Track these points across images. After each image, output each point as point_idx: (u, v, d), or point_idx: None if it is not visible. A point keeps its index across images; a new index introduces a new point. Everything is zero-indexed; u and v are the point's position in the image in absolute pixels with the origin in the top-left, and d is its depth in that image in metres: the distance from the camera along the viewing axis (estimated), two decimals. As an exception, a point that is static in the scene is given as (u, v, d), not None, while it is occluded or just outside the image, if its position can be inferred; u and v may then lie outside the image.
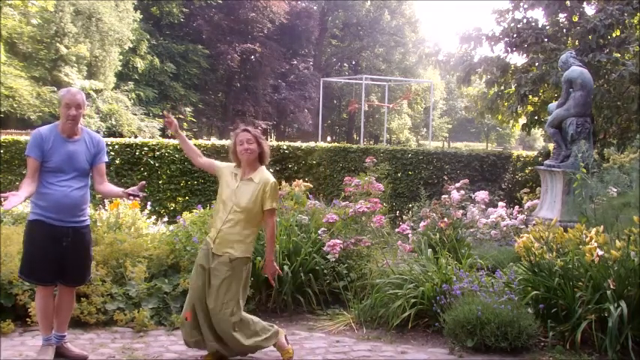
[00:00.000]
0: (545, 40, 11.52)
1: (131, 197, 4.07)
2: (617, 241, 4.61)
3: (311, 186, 7.33)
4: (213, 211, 4.71)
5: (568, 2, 11.85)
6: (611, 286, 4.44)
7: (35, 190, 4.00)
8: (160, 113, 30.22)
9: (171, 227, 6.62)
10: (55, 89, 24.68)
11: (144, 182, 4.18)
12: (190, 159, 4.58)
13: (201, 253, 4.26)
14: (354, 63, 44.24)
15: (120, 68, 28.30)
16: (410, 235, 6.43)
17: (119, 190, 4.21)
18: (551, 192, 7.67)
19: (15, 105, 22.56)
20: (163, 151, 10.92)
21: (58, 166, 4.03)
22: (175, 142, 11.44)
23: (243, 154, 4.21)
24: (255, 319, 4.30)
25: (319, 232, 5.99)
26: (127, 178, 10.60)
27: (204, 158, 4.51)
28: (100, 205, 7.68)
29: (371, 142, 38.33)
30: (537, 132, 24.30)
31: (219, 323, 4.09)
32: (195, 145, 11.17)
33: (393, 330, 5.00)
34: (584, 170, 6.41)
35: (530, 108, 12.30)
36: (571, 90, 7.60)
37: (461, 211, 6.94)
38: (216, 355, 4.22)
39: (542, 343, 4.65)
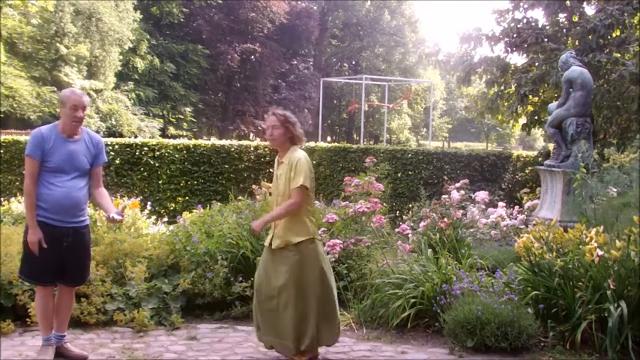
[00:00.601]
0: (545, 40, 11.52)
1: (112, 219, 4.14)
2: (617, 241, 4.60)
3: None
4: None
5: (568, 2, 11.85)
6: (611, 286, 4.44)
7: (36, 192, 4.00)
8: (161, 113, 30.26)
9: (171, 227, 6.63)
10: (55, 89, 24.68)
11: (126, 205, 4.25)
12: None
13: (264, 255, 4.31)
14: (354, 63, 44.23)
15: (120, 68, 28.29)
16: (410, 235, 6.44)
17: (107, 208, 4.22)
18: (551, 192, 7.67)
19: (15, 105, 22.56)
20: (163, 151, 10.92)
21: (58, 166, 4.02)
22: (175, 142, 11.44)
23: (269, 141, 4.29)
24: None
25: (319, 232, 5.98)
26: (127, 178, 10.60)
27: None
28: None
29: (371, 142, 38.33)
30: (537, 132, 24.29)
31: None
32: (194, 145, 11.24)
33: (393, 330, 5.00)
34: (584, 170, 6.41)
35: (530, 108, 12.30)
36: (571, 90, 7.59)
37: (461, 211, 6.94)
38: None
39: (542, 343, 4.65)
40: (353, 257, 5.95)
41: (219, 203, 7.17)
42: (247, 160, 11.51)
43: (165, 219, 9.37)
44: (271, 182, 4.72)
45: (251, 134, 35.39)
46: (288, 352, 4.18)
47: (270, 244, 4.20)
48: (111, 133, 25.00)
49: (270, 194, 4.30)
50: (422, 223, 6.62)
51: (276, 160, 4.37)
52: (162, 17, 32.27)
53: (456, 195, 7.06)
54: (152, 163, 10.81)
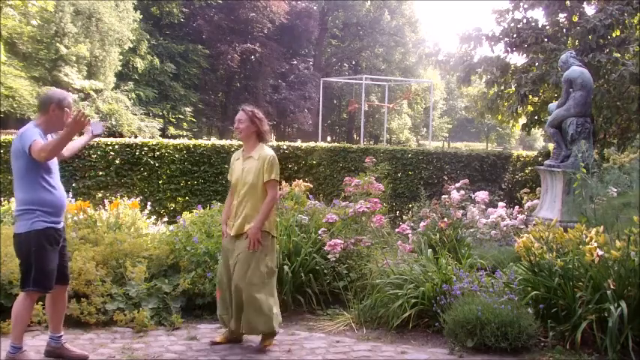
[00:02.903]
0: (545, 40, 11.53)
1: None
2: (617, 241, 4.60)
3: (311, 186, 7.33)
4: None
5: (568, 2, 11.85)
6: (611, 286, 4.44)
7: (35, 196, 3.86)
8: (161, 113, 30.26)
9: (171, 227, 6.62)
10: (55, 89, 24.70)
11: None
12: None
13: (224, 243, 4.63)
14: (354, 63, 44.22)
15: (120, 68, 28.28)
16: (410, 235, 6.43)
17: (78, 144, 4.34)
18: (551, 192, 7.67)
19: (15, 105, 22.55)
20: (163, 151, 10.91)
21: (51, 166, 3.98)
22: (175, 142, 11.43)
23: (236, 133, 4.66)
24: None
25: (319, 232, 5.99)
26: (127, 178, 10.60)
27: (231, 195, 4.73)
28: (100, 205, 7.68)
29: (371, 142, 38.32)
30: (537, 132, 24.33)
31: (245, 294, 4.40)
32: (194, 145, 11.24)
33: (393, 330, 5.00)
34: (584, 170, 6.40)
35: (530, 108, 12.31)
36: (571, 90, 7.59)
37: (461, 211, 6.93)
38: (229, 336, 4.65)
39: (542, 343, 4.65)
40: (353, 257, 5.95)
41: (219, 203, 7.17)
42: (247, 160, 11.49)
43: (165, 219, 9.37)
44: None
45: (251, 134, 35.31)
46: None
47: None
48: (111, 133, 25.01)
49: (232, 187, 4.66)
50: (422, 223, 6.62)
51: (238, 155, 4.70)
52: (163, 17, 32.26)
53: (456, 195, 7.06)
54: (152, 163, 10.80)
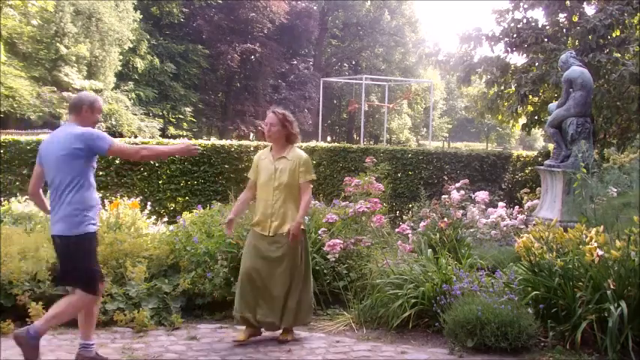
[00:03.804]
0: (545, 40, 11.53)
1: None
2: (617, 241, 4.60)
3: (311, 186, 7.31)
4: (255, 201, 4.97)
5: (568, 2, 11.86)
6: (611, 286, 4.44)
7: (87, 197, 3.97)
8: (161, 113, 30.27)
9: (171, 227, 6.62)
10: (55, 89, 24.68)
11: None
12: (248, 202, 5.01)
13: (253, 241, 4.72)
14: (354, 63, 44.20)
15: (120, 68, 28.28)
16: (410, 235, 6.43)
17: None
18: (551, 192, 7.67)
19: (15, 105, 22.55)
20: (163, 151, 10.90)
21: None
22: (175, 142, 11.44)
23: (266, 134, 4.79)
24: None
25: (319, 232, 5.99)
26: (127, 178, 10.60)
27: (246, 192, 4.94)
28: (100, 205, 7.67)
29: (371, 142, 38.31)
30: (537, 132, 24.34)
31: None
32: (195, 145, 11.22)
33: (393, 330, 5.00)
34: (584, 170, 6.40)
35: (530, 108, 12.32)
36: (571, 90, 7.59)
37: (461, 211, 6.93)
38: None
39: (542, 343, 4.65)
40: (353, 257, 5.95)
41: (219, 203, 7.16)
42: (247, 160, 11.49)
43: (165, 219, 9.36)
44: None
45: (251, 134, 35.36)
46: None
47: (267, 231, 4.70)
48: (111, 133, 24.95)
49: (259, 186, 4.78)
50: (422, 223, 6.62)
51: (268, 155, 4.81)
52: (163, 17, 32.26)
53: (456, 195, 7.06)
54: (152, 163, 10.80)
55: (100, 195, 10.36)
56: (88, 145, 3.93)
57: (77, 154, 3.93)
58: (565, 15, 12.05)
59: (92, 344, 4.13)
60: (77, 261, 3.97)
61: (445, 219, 6.34)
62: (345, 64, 44.34)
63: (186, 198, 11.06)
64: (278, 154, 4.75)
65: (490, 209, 8.10)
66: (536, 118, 12.33)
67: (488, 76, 12.35)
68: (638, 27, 11.30)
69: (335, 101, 41.67)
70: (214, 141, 12.17)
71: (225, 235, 5.73)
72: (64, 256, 4.01)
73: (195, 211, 7.06)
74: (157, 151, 4.76)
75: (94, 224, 4.00)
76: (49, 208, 4.15)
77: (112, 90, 27.75)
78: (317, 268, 5.76)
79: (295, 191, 4.69)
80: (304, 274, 4.76)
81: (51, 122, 24.36)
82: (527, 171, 12.11)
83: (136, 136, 22.66)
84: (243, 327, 4.75)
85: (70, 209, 3.91)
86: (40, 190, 4.29)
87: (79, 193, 3.94)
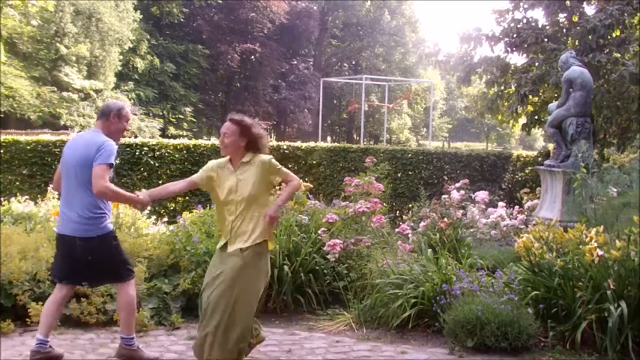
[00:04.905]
0: (545, 40, 11.53)
1: None
2: (617, 241, 4.60)
3: (311, 186, 7.32)
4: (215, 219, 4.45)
5: (568, 2, 11.86)
6: (611, 286, 4.44)
7: (103, 202, 4.12)
8: (161, 113, 30.24)
9: (171, 227, 6.62)
10: (55, 89, 24.69)
11: None
12: (173, 194, 4.60)
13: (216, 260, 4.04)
14: (354, 63, 44.20)
15: (120, 68, 28.29)
16: (410, 235, 6.43)
17: None
18: (551, 192, 7.67)
19: (15, 105, 22.56)
20: (163, 151, 10.92)
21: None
22: (175, 142, 11.44)
23: (221, 148, 4.02)
24: None
25: (319, 232, 5.98)
26: (127, 178, 10.59)
27: (179, 184, 4.22)
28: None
29: (371, 142, 38.30)
30: (537, 132, 24.32)
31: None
32: (194, 145, 11.24)
33: (393, 330, 5.00)
34: (584, 170, 6.40)
35: (530, 108, 12.31)
36: (571, 90, 7.59)
37: (461, 211, 6.93)
38: None
39: (542, 343, 4.65)
40: (353, 257, 5.95)
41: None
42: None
43: (165, 219, 9.35)
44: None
45: (251, 134, 35.31)
46: None
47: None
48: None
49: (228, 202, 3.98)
50: (422, 223, 6.61)
51: (222, 169, 4.05)
52: (163, 17, 32.26)
53: (456, 195, 7.06)
54: (152, 163, 10.80)
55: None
56: (97, 153, 3.99)
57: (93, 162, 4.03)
58: (565, 15, 12.04)
59: (133, 338, 4.22)
60: (111, 257, 4.15)
61: (445, 219, 6.34)
62: (345, 64, 44.34)
63: (186, 198, 11.06)
64: (236, 163, 4.00)
65: (490, 209, 8.10)
66: (536, 118, 12.33)
67: (488, 76, 12.35)
68: (638, 27, 11.30)
69: (335, 101, 41.67)
70: (214, 141, 12.16)
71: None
72: (94, 258, 4.08)
73: (195, 211, 7.05)
74: (116, 196, 4.12)
75: (111, 223, 4.23)
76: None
77: (112, 90, 27.76)
78: (317, 268, 5.76)
79: (262, 202, 3.99)
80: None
81: (51, 122, 24.38)
82: (527, 171, 12.11)
83: (136, 136, 22.66)
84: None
85: (89, 212, 4.05)
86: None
87: (98, 198, 4.07)
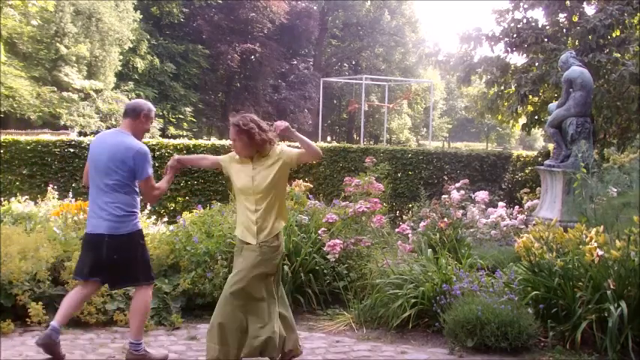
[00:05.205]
0: (545, 40, 11.53)
1: None
2: (617, 241, 4.60)
3: (311, 186, 7.32)
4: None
5: (568, 2, 11.86)
6: (611, 286, 4.44)
7: (135, 200, 4.18)
8: (161, 113, 30.24)
9: (171, 227, 6.61)
10: (55, 89, 24.67)
11: None
12: (198, 166, 4.67)
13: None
14: (354, 63, 44.18)
15: (120, 68, 28.27)
16: (410, 235, 6.43)
17: None
18: (551, 192, 7.67)
19: (15, 105, 22.54)
20: (163, 151, 10.92)
21: None
22: (175, 141, 11.45)
23: (238, 155, 4.04)
24: None
25: (319, 232, 5.98)
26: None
27: (208, 160, 4.52)
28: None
29: (371, 142, 38.30)
30: (537, 132, 24.32)
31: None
32: (194, 145, 11.23)
33: (393, 330, 5.00)
34: (584, 170, 6.41)
35: (530, 108, 12.32)
36: (571, 90, 7.59)
37: (461, 211, 6.94)
38: None
39: (542, 343, 4.65)
40: (353, 257, 5.95)
41: (219, 203, 7.16)
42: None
43: (165, 219, 9.35)
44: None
45: (251, 134, 35.31)
46: None
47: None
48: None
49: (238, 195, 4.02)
50: (422, 223, 6.62)
51: (236, 161, 4.06)
52: (163, 17, 32.25)
53: (456, 195, 7.06)
54: (152, 163, 10.79)
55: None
56: (136, 164, 4.11)
57: (126, 166, 4.10)
58: (565, 15, 12.05)
59: (141, 343, 4.17)
60: (135, 258, 4.15)
61: (445, 219, 6.34)
62: (345, 64, 44.33)
63: (186, 198, 11.06)
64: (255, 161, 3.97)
65: (490, 209, 8.10)
66: (536, 118, 12.33)
67: (488, 76, 12.35)
68: (638, 27, 11.30)
69: (335, 101, 41.66)
70: (214, 141, 12.17)
71: (225, 235, 5.71)
72: (119, 256, 4.09)
73: (195, 211, 7.05)
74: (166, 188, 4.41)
75: (138, 221, 4.22)
76: None
77: (112, 90, 27.75)
78: (317, 268, 5.76)
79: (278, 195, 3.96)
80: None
81: (51, 122, 24.36)
82: (527, 171, 12.11)
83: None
84: None
85: (119, 210, 4.08)
86: None
87: (130, 197, 4.13)
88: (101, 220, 4.07)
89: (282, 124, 3.98)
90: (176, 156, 4.47)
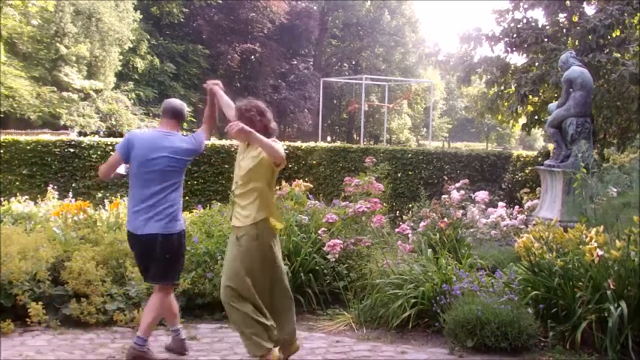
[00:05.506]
0: (545, 40, 11.53)
1: None
2: (617, 241, 4.60)
3: (311, 186, 7.32)
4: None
5: (568, 2, 11.86)
6: (611, 286, 4.44)
7: (180, 197, 4.23)
8: (160, 113, 30.29)
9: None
10: (55, 89, 24.67)
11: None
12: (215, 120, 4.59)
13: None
14: (354, 63, 44.18)
15: (120, 68, 28.27)
16: (410, 235, 6.43)
17: None
18: (551, 192, 7.67)
19: (15, 105, 22.54)
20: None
21: None
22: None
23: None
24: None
25: (319, 232, 5.98)
26: (127, 177, 10.60)
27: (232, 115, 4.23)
28: (100, 205, 7.68)
29: (371, 142, 38.30)
30: (537, 132, 24.32)
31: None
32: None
33: (393, 330, 5.00)
34: (584, 170, 6.41)
35: (530, 108, 12.31)
36: (571, 90, 7.59)
37: (461, 211, 6.94)
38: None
39: (542, 343, 4.65)
40: (353, 257, 5.95)
41: (219, 203, 7.16)
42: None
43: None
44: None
45: (251, 134, 35.33)
46: None
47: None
48: (111, 133, 24.97)
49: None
50: (422, 223, 6.62)
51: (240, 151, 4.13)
52: (163, 17, 32.25)
53: (456, 195, 7.06)
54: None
55: (100, 195, 10.41)
56: (197, 147, 4.31)
57: (184, 164, 4.23)
58: (565, 15, 12.04)
59: (147, 340, 4.15)
60: (179, 256, 4.26)
61: (445, 219, 6.34)
62: (345, 64, 44.33)
63: (186, 198, 11.05)
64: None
65: (490, 209, 8.10)
66: (536, 118, 12.33)
67: (488, 76, 12.35)
68: (638, 27, 11.30)
69: (335, 101, 41.65)
70: (214, 141, 12.16)
71: (225, 235, 5.72)
72: (167, 254, 4.13)
73: (195, 211, 7.06)
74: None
75: (183, 222, 4.28)
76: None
77: (112, 90, 27.74)
78: (317, 268, 5.76)
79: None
80: None
81: (51, 122, 24.36)
82: (527, 171, 12.10)
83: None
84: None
85: (172, 209, 4.14)
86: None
87: (178, 193, 4.20)
88: (151, 220, 4.08)
89: (234, 126, 3.72)
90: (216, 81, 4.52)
